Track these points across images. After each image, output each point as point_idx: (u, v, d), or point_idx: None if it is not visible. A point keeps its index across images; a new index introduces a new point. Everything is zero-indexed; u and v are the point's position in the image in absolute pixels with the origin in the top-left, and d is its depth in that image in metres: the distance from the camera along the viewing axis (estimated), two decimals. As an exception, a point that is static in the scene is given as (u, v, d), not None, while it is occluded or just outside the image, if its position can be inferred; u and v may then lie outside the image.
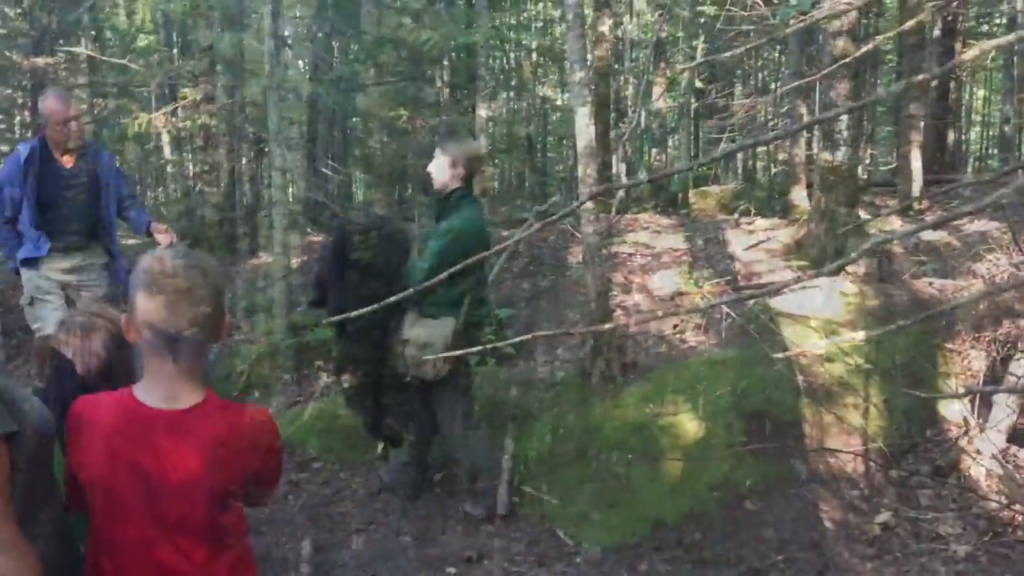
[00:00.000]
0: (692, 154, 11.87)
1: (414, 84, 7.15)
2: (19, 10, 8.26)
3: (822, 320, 5.31)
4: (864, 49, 4.95)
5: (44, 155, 4.69)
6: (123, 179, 5.11)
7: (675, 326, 5.89)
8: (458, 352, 3.55)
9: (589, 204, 5.02)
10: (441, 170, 4.05)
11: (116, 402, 1.77)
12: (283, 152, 6.34)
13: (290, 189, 7.71)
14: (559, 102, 14.48)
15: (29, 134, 9.96)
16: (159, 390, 1.76)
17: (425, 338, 3.97)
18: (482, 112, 6.55)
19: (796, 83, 5.70)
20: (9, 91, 9.86)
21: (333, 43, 9.82)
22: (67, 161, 4.75)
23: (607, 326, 4.66)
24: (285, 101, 6.18)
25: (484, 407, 5.00)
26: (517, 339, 2.49)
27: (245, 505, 1.87)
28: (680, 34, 11.84)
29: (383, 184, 7.46)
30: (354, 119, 8.65)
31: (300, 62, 10.83)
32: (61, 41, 7.65)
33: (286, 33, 10.13)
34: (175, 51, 7.90)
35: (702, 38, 10.37)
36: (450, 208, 4.06)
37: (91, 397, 1.83)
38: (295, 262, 7.44)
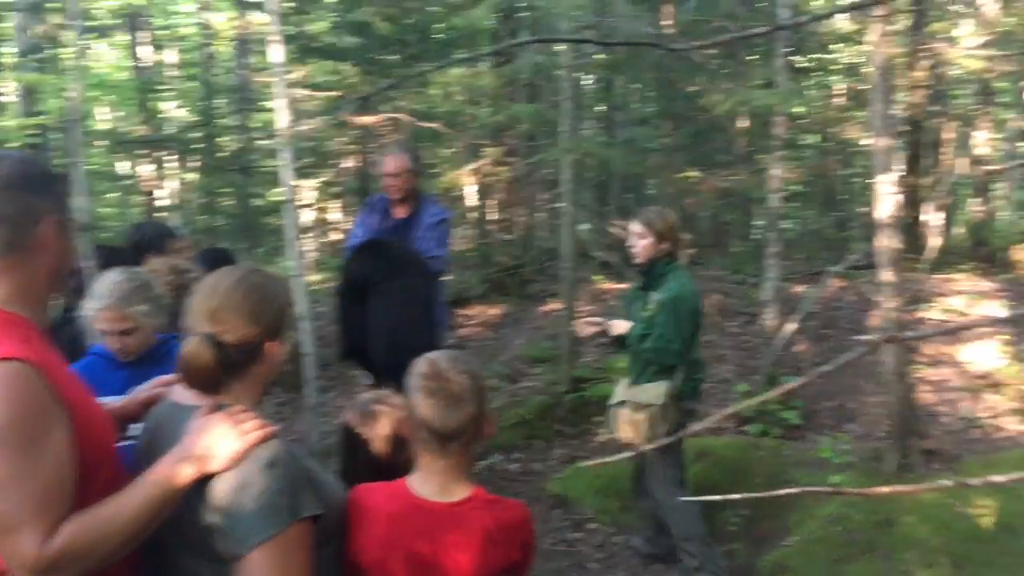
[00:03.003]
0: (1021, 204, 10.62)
1: (705, 144, 7.10)
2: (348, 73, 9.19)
3: None
4: None
5: (384, 204, 5.09)
6: (436, 234, 4.99)
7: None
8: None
9: (889, 274, 4.67)
10: (643, 241, 4.06)
11: (393, 492, 1.93)
12: (572, 208, 6.54)
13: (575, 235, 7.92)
14: (865, 143, 13.54)
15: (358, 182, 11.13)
16: (432, 483, 1.91)
17: (641, 400, 3.99)
18: (776, 170, 6.31)
19: None
20: (342, 139, 10.98)
21: (628, 101, 10.05)
22: (399, 211, 5.04)
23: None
24: (578, 162, 6.39)
25: (765, 483, 4.79)
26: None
27: None
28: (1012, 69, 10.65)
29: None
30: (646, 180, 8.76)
31: (592, 119, 11.14)
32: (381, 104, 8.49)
33: (586, 84, 10.47)
34: (480, 111, 8.46)
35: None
36: (657, 277, 4.05)
37: (368, 486, 2.00)
38: (583, 311, 7.60)
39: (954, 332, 6.20)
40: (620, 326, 4.09)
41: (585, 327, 4.33)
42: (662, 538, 4.45)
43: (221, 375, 1.69)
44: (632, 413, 4.01)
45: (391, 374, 3.97)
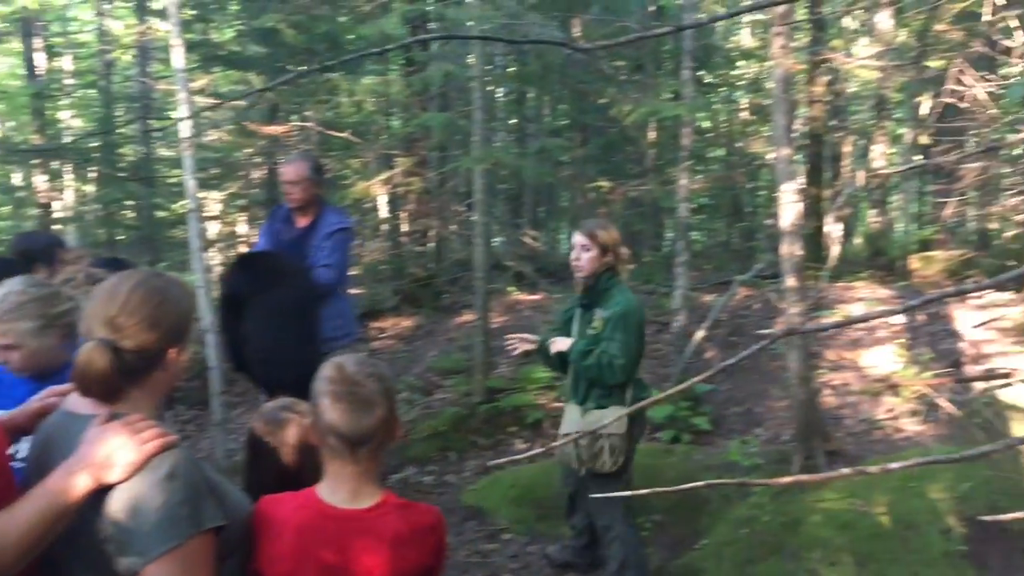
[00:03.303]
0: (916, 215, 11.11)
1: (615, 155, 7.20)
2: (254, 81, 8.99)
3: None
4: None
5: (287, 213, 5.00)
6: (330, 243, 4.82)
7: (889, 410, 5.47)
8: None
9: (792, 280, 4.80)
10: (587, 254, 3.88)
11: (302, 502, 1.88)
12: (485, 219, 6.54)
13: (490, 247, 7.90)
14: (769, 156, 13.99)
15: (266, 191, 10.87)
16: (342, 491, 1.86)
17: (600, 430, 3.79)
18: (683, 180, 6.44)
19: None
20: (249, 150, 10.73)
21: (541, 111, 10.14)
22: (300, 220, 4.93)
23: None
24: (490, 172, 6.39)
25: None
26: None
27: None
28: (904, 82, 11.13)
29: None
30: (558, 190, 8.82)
31: (504, 131, 11.19)
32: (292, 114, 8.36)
33: (497, 96, 10.53)
34: (392, 122, 8.41)
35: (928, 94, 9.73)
36: (601, 292, 3.89)
37: (276, 496, 1.94)
38: (497, 322, 7.59)
39: (850, 325, 6.44)
40: (561, 343, 3.93)
41: (518, 344, 4.16)
42: (585, 549, 4.43)
43: (118, 383, 1.61)
44: (591, 443, 3.81)
45: (271, 389, 3.89)
